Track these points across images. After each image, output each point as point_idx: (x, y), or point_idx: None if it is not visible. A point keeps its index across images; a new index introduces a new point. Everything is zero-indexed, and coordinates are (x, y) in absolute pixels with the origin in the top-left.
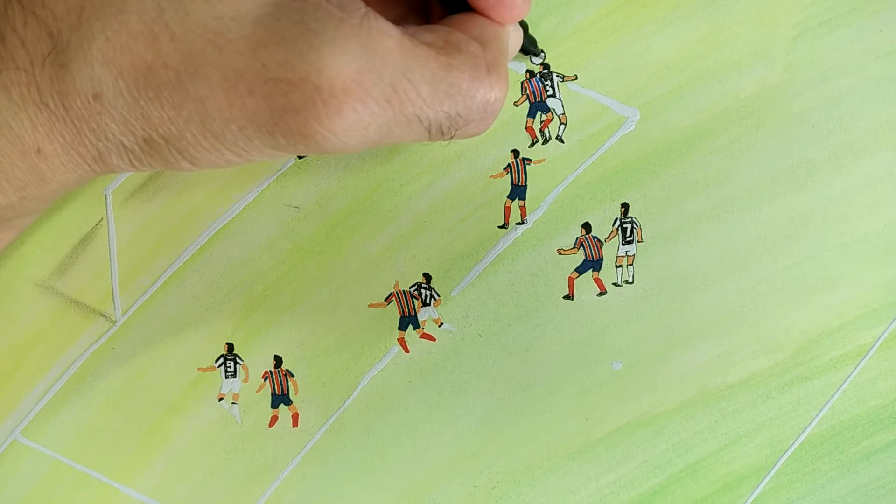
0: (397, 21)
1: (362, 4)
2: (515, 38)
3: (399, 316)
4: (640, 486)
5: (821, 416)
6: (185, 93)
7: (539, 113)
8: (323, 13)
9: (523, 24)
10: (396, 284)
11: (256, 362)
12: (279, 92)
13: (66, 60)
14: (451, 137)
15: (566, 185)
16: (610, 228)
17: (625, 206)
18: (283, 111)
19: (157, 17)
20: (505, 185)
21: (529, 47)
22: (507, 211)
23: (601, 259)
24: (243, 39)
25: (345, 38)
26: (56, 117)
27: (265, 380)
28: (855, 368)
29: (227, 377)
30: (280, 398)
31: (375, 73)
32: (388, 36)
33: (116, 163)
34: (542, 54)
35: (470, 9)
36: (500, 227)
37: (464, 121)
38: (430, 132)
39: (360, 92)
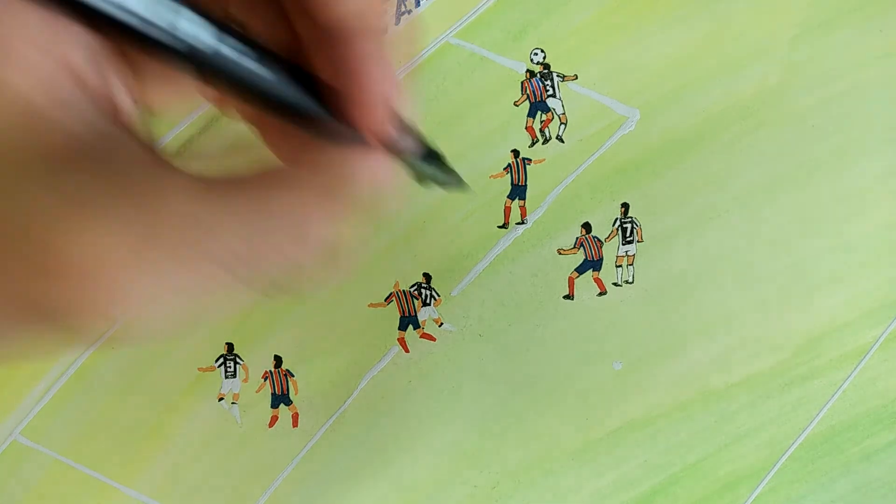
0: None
1: (148, 151)
2: (380, 171)
3: (399, 316)
4: (640, 486)
5: (821, 416)
6: None
7: (539, 113)
8: (87, 174)
9: (437, 155)
10: (396, 284)
11: (256, 362)
12: (28, 277)
13: None
14: (293, 292)
15: (566, 185)
16: (610, 228)
17: (625, 206)
18: (34, 303)
19: None
20: (505, 185)
21: (446, 180)
22: (507, 211)
23: (601, 259)
24: None
25: (115, 199)
26: None
27: (265, 380)
28: (855, 368)
29: (227, 377)
30: (280, 398)
31: (159, 234)
32: (177, 187)
33: None
34: (467, 186)
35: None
36: (500, 227)
37: (299, 268)
38: (259, 289)
39: (138, 261)
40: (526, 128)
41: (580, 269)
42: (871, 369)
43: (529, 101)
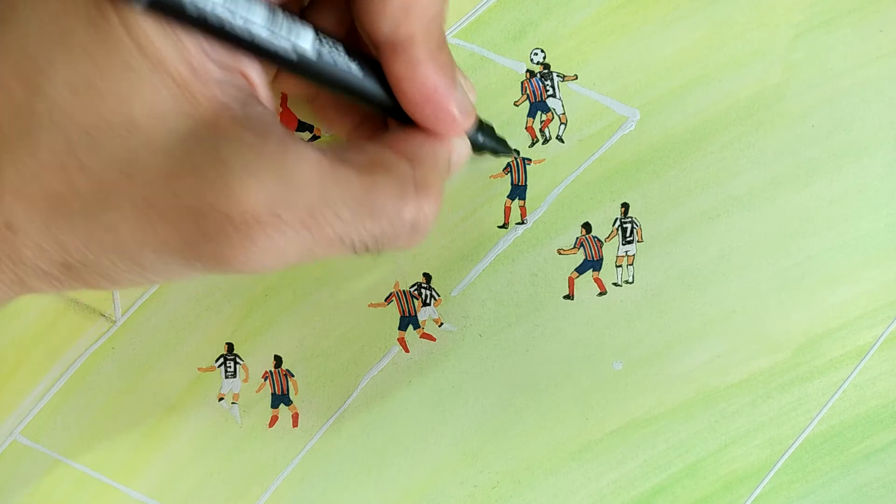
0: (354, 128)
1: (282, 130)
2: (462, 148)
3: (399, 316)
4: (640, 486)
5: (821, 416)
6: (97, 221)
7: (539, 113)
8: (236, 141)
9: (489, 128)
10: (396, 284)
11: (256, 362)
12: (191, 220)
13: None
14: (380, 252)
15: (566, 185)
16: (610, 228)
17: (625, 206)
18: (195, 238)
19: (66, 150)
20: (505, 185)
21: (499, 148)
22: (507, 211)
23: (601, 259)
24: (154, 169)
25: (257, 166)
26: None
27: (265, 380)
28: (855, 368)
29: (227, 377)
30: (280, 398)
31: (291, 200)
32: (306, 161)
33: (37, 285)
34: (517, 152)
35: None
36: (500, 227)
37: (390, 238)
38: (354, 250)
39: (274, 220)
40: (526, 128)
41: (580, 269)
42: (871, 369)
43: (529, 101)
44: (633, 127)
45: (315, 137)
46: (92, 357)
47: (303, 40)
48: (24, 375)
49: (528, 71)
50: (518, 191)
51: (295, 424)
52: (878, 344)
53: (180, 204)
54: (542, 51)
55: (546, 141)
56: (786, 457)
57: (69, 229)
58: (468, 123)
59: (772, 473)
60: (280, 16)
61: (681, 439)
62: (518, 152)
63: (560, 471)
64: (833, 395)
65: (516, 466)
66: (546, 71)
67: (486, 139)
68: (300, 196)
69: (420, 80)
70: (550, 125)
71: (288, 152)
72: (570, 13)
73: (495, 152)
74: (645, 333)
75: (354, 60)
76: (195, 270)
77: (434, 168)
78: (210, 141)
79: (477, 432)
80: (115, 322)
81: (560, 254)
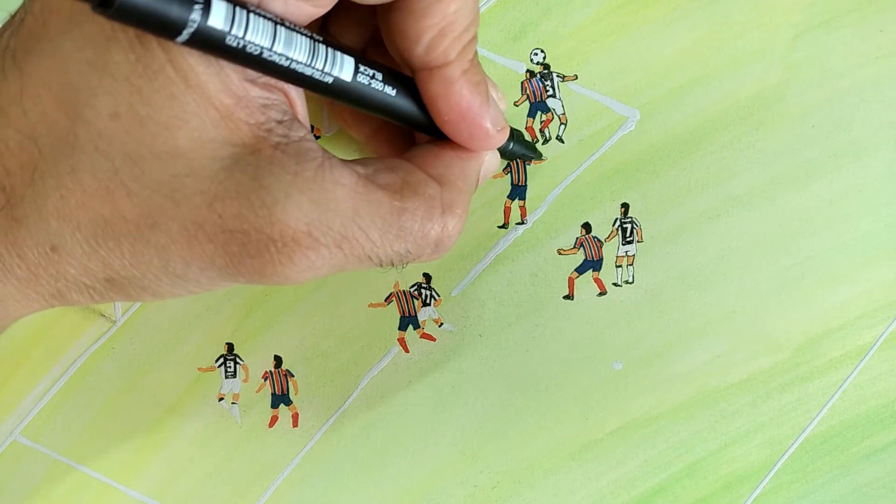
0: (373, 133)
1: (319, 153)
2: (492, 162)
3: (399, 316)
4: (640, 486)
5: (821, 416)
6: (145, 242)
7: (539, 113)
8: (277, 167)
9: (518, 133)
10: (396, 284)
11: (256, 362)
12: (236, 241)
13: (20, 215)
14: (404, 266)
15: (566, 185)
16: (610, 228)
17: (625, 206)
18: (240, 256)
19: (111, 176)
20: (505, 185)
21: (529, 154)
22: (507, 211)
23: (601, 259)
24: (200, 194)
25: (297, 193)
26: (11, 265)
27: (265, 380)
28: (855, 368)
29: (227, 377)
30: (280, 398)
31: (326, 223)
32: (340, 185)
33: (77, 298)
34: (544, 157)
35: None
36: (500, 227)
37: (415, 255)
38: (381, 266)
39: (311, 241)
40: (526, 128)
41: (580, 269)
42: (871, 369)
43: (529, 102)
44: (633, 127)
45: (315, 137)
46: (92, 357)
47: (344, 73)
48: (24, 375)
49: (528, 71)
50: (518, 191)
51: (295, 424)
52: (878, 344)
53: (225, 226)
54: (542, 51)
55: (546, 141)
56: (786, 457)
57: (116, 249)
58: (502, 139)
59: (772, 473)
60: (321, 49)
61: (681, 439)
62: (541, 155)
63: (560, 471)
64: (833, 395)
65: (516, 466)
66: (546, 71)
67: (516, 146)
68: (335, 219)
69: (455, 98)
70: (550, 125)
71: (325, 178)
72: (570, 13)
73: (524, 157)
74: (645, 333)
75: (390, 85)
76: (236, 283)
77: (462, 189)
78: (252, 167)
79: (477, 432)
80: (115, 322)
81: (560, 254)
